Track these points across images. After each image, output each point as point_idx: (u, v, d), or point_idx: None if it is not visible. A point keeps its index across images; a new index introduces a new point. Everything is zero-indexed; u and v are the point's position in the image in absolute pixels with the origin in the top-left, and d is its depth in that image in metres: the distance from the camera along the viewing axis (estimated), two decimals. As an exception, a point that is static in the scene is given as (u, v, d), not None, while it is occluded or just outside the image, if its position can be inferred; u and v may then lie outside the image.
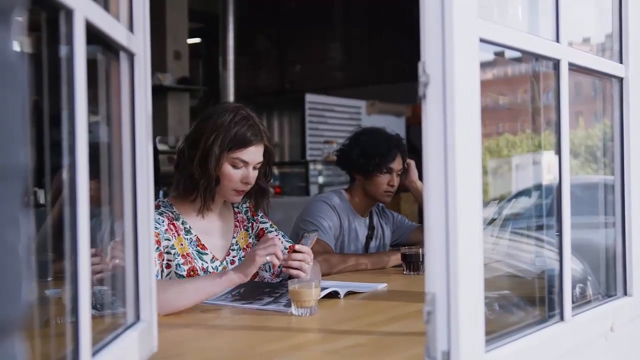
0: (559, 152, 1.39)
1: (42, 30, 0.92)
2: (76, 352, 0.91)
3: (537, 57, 1.42)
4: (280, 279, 2.09)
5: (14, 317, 0.65)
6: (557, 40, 1.39)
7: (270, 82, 9.05)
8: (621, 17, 1.65)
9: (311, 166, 7.14)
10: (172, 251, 1.91)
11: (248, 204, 2.17)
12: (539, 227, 1.59)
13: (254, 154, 1.97)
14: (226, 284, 1.81)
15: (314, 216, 2.65)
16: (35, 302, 0.94)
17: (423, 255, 2.32)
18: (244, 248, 2.09)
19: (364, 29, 8.55)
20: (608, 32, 1.69)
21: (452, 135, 1.04)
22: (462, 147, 1.05)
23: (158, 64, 6.70)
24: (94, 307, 1.01)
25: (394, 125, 6.39)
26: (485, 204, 1.15)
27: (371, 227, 2.83)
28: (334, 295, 1.88)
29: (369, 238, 2.82)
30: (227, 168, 1.95)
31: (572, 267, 1.41)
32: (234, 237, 2.09)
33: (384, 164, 2.69)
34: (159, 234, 1.87)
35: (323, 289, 1.82)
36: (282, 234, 2.17)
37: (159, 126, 6.63)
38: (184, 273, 1.91)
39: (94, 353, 0.97)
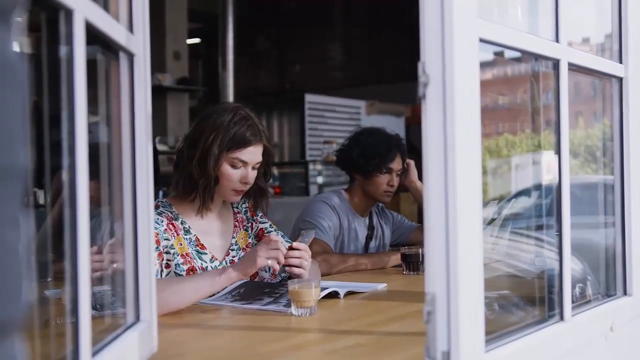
0: (558, 152, 1.39)
1: (41, 31, 0.92)
2: (76, 353, 0.91)
3: (537, 57, 1.43)
4: (280, 278, 2.09)
5: (14, 317, 0.65)
6: (557, 40, 1.39)
7: (270, 82, 9.05)
8: (621, 17, 1.65)
9: (311, 166, 7.14)
10: (172, 251, 1.91)
11: (247, 204, 2.17)
12: (539, 227, 1.59)
13: (253, 154, 1.97)
14: (225, 282, 1.82)
15: (313, 216, 2.65)
16: (35, 303, 0.94)
17: (423, 255, 2.32)
18: (243, 248, 2.09)
19: (364, 29, 8.55)
20: (608, 32, 1.69)
21: (452, 135, 1.04)
22: (462, 147, 1.05)
23: (158, 64, 6.70)
24: (93, 307, 1.01)
25: (394, 125, 6.39)
26: (485, 204, 1.15)
27: (371, 227, 2.83)
28: (333, 295, 1.88)
29: (368, 238, 2.82)
30: (226, 168, 1.95)
31: (571, 267, 1.41)
32: (234, 237, 2.09)
33: (384, 164, 2.69)
34: (158, 234, 1.88)
35: (323, 289, 1.82)
36: (282, 234, 2.17)
37: (159, 126, 6.63)
38: (184, 273, 1.91)
39: (94, 353, 0.97)
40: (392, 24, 7.54)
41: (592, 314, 1.50)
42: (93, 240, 0.96)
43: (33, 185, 0.81)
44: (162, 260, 1.88)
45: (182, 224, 1.98)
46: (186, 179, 1.97)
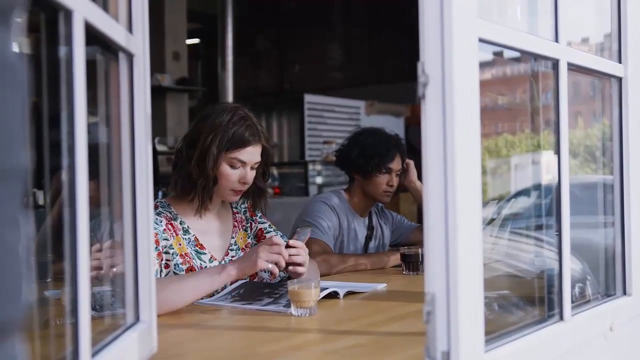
0: (558, 151, 1.39)
1: (41, 31, 0.92)
2: (76, 353, 0.91)
3: (536, 57, 1.43)
4: (280, 279, 2.09)
5: (14, 317, 0.65)
6: (556, 40, 1.39)
7: (269, 83, 9.05)
8: (620, 17, 1.65)
9: (310, 166, 7.14)
10: (171, 251, 1.91)
11: (247, 204, 2.17)
12: (538, 227, 1.59)
13: (251, 154, 1.97)
14: (225, 279, 1.82)
15: (313, 216, 2.65)
16: (35, 303, 0.94)
17: (422, 255, 2.33)
18: (242, 248, 2.09)
19: (363, 29, 8.55)
20: (607, 31, 1.69)
21: (451, 135, 1.04)
22: (461, 147, 1.05)
23: (157, 64, 6.70)
24: (93, 308, 1.01)
25: (393, 125, 6.40)
26: (485, 204, 1.15)
27: (370, 228, 2.83)
28: (333, 295, 1.88)
29: (368, 238, 2.82)
30: (225, 168, 1.95)
31: (571, 266, 1.41)
32: (233, 237, 2.09)
33: (383, 164, 2.69)
34: (157, 234, 1.88)
35: (323, 289, 1.82)
36: (281, 234, 2.17)
37: (158, 127, 6.63)
38: (183, 273, 1.91)
39: (94, 354, 0.97)
40: (391, 24, 7.54)
41: (591, 314, 1.50)
42: (93, 240, 0.96)
43: (33, 185, 0.81)
44: (162, 260, 1.88)
45: (181, 224, 1.98)
46: (185, 179, 1.97)
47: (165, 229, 1.92)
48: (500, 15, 1.46)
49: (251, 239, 2.14)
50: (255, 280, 2.03)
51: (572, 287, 1.44)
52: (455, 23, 1.04)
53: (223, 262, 2.01)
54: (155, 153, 5.90)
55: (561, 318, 1.37)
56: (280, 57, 9.08)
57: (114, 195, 1.21)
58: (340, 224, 2.70)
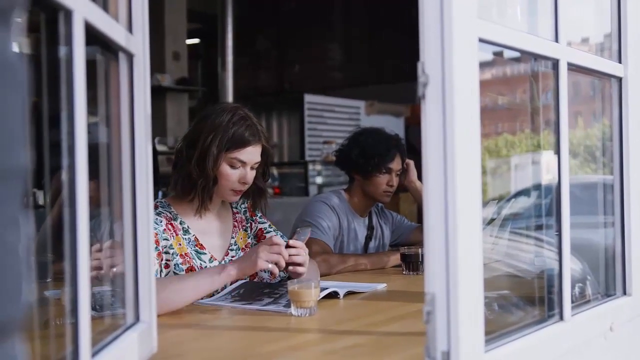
0: (558, 151, 1.39)
1: (41, 31, 0.92)
2: (76, 353, 0.91)
3: (536, 57, 1.43)
4: (280, 279, 2.09)
5: (14, 317, 0.65)
6: (556, 40, 1.39)
7: (269, 83, 9.05)
8: (620, 17, 1.65)
9: (310, 166, 7.14)
10: (171, 251, 1.91)
11: (247, 204, 2.17)
12: (538, 227, 1.59)
13: (251, 154, 1.97)
14: (225, 279, 1.82)
15: (313, 216, 2.65)
16: (35, 303, 0.94)
17: (422, 255, 2.33)
18: (242, 248, 2.09)
19: (363, 29, 8.55)
20: (607, 31, 1.69)
21: (451, 135, 1.04)
22: (461, 147, 1.05)
23: (157, 64, 6.70)
24: (93, 308, 1.01)
25: (393, 125, 6.39)
26: (485, 204, 1.15)
27: (370, 228, 2.83)
28: (333, 295, 1.88)
29: (368, 238, 2.82)
30: (225, 168, 1.95)
31: (571, 266, 1.41)
32: (233, 237, 2.09)
33: (383, 164, 2.69)
34: (157, 234, 1.88)
35: (322, 289, 1.82)
36: (281, 234, 2.17)
37: (158, 127, 6.63)
38: (183, 273, 1.91)
39: (94, 354, 0.97)
40: (391, 24, 7.54)
41: (591, 314, 1.50)
42: (93, 240, 0.96)
43: (33, 185, 0.81)
44: (162, 260, 1.88)
45: (181, 224, 1.98)
46: (185, 179, 1.97)
47: (165, 229, 1.92)
48: (500, 15, 1.46)
49: (251, 239, 2.14)
50: (255, 280, 2.03)
51: (572, 287, 1.44)
52: (455, 23, 1.04)
53: (223, 262, 2.01)
54: (155, 153, 5.90)
55: (561, 318, 1.37)
56: (280, 57, 9.08)
57: (114, 195, 1.21)
58: (340, 224, 2.70)
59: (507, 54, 1.36)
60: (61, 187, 0.92)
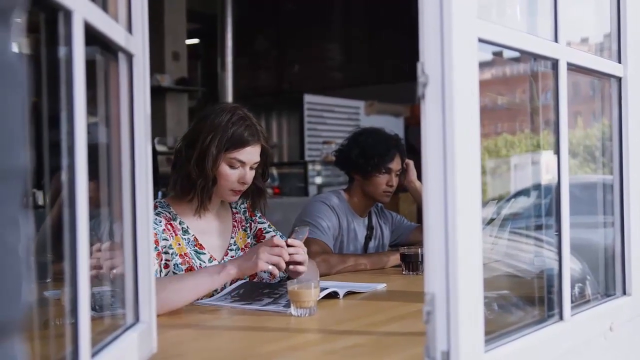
0: (557, 151, 1.39)
1: (40, 32, 0.92)
2: (75, 354, 0.91)
3: (536, 57, 1.43)
4: (279, 279, 2.09)
5: (14, 318, 0.65)
6: (556, 40, 1.39)
7: (269, 83, 9.05)
8: (619, 17, 1.65)
9: (310, 167, 7.14)
10: (170, 251, 1.91)
11: (246, 204, 2.17)
12: (538, 227, 1.59)
13: (251, 154, 1.97)
14: (224, 279, 1.82)
15: (312, 217, 2.65)
16: (35, 304, 0.94)
17: (422, 255, 2.33)
18: (242, 248, 2.09)
19: (363, 29, 8.55)
20: (606, 31, 1.69)
21: (451, 136, 1.04)
22: (461, 147, 1.05)
23: (157, 64, 6.70)
24: (93, 308, 1.01)
25: (393, 125, 6.40)
26: (484, 203, 1.15)
27: (370, 228, 2.83)
28: (333, 295, 1.88)
29: (367, 238, 2.82)
30: (224, 168, 1.95)
31: (571, 266, 1.41)
32: (232, 237, 2.09)
33: (383, 164, 2.69)
34: (156, 234, 1.88)
35: (322, 289, 1.82)
36: (281, 234, 2.17)
37: (158, 127, 6.63)
38: (182, 273, 1.91)
39: (94, 354, 0.97)
40: (391, 24, 7.54)
41: (591, 314, 1.50)
42: (92, 240, 0.96)
43: (33, 185, 0.81)
44: (161, 260, 1.88)
45: (180, 224, 1.98)
46: (184, 179, 1.97)
47: (164, 229, 1.92)
48: (500, 15, 1.46)
49: (251, 239, 2.14)
50: (254, 280, 2.03)
51: (572, 287, 1.44)
52: (454, 23, 1.04)
53: (222, 262, 2.01)
54: (155, 153, 5.90)
55: (561, 318, 1.38)
56: (280, 57, 9.08)
57: (114, 195, 1.21)
58: (340, 224, 2.70)
59: (507, 54, 1.36)
60: (61, 187, 0.92)
